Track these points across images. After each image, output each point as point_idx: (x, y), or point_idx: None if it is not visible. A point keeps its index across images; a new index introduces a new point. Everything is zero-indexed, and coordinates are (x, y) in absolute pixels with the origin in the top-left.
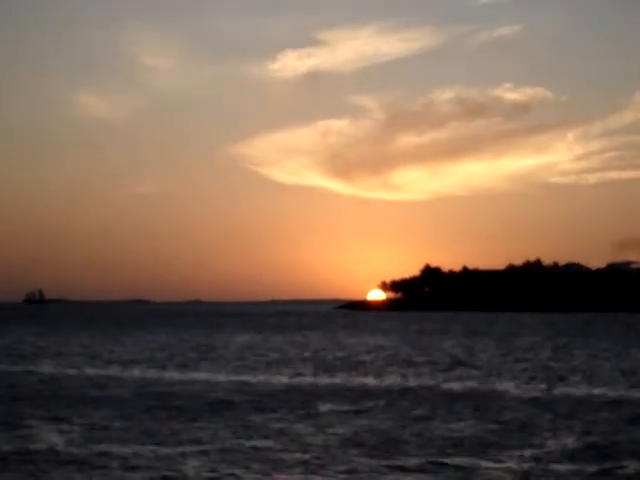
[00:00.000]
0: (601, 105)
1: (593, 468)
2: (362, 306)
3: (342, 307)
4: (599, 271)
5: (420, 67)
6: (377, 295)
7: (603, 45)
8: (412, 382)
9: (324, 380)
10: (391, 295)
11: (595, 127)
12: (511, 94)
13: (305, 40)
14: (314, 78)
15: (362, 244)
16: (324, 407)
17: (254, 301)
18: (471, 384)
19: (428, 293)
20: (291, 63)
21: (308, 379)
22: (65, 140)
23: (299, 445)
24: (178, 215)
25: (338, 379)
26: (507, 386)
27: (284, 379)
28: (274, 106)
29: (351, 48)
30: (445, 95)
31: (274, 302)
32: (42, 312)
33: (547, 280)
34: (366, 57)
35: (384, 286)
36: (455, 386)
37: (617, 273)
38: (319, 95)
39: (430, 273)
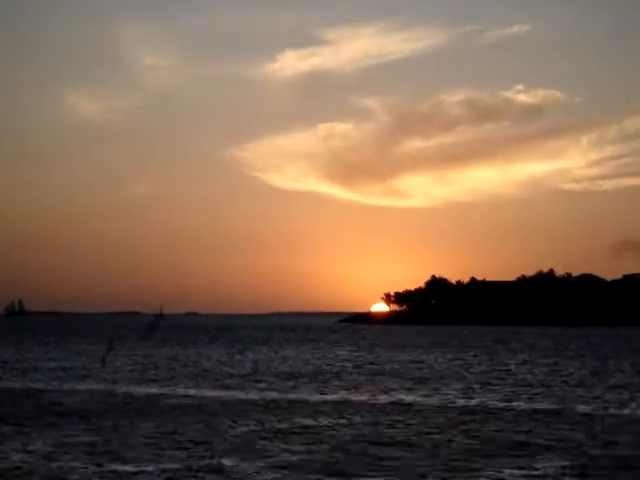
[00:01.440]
0: (617, 108)
1: None
2: (365, 319)
3: (344, 320)
4: (615, 282)
5: (427, 67)
6: (381, 308)
7: (618, 45)
8: (392, 396)
9: (295, 395)
10: (395, 308)
11: (610, 131)
12: (523, 96)
13: (306, 39)
14: (315, 79)
15: (365, 253)
16: (299, 422)
17: (254, 314)
18: (456, 399)
19: (434, 305)
20: (292, 63)
21: (276, 394)
22: (59, 142)
23: (272, 463)
24: (173, 220)
25: (314, 394)
26: (490, 401)
27: (247, 394)
28: (274, 108)
29: (354, 47)
30: (453, 97)
31: (275, 315)
32: (20, 325)
33: (560, 292)
34: (370, 57)
35: (388, 298)
36: (438, 401)
37: (633, 284)
38: (321, 97)
39: (436, 284)
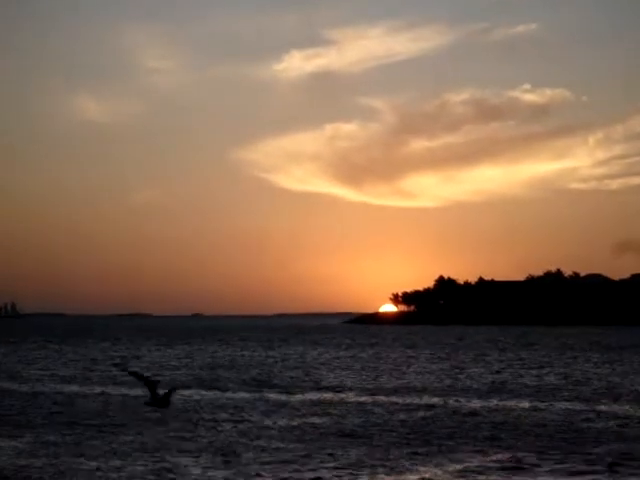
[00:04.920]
0: (624, 107)
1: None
2: (373, 320)
3: (352, 321)
4: (622, 282)
5: (432, 67)
6: (389, 308)
7: (626, 44)
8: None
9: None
10: (403, 308)
11: (617, 130)
12: (529, 96)
13: (312, 39)
14: (321, 79)
15: (373, 253)
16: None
17: (260, 315)
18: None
19: (442, 305)
20: (297, 63)
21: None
22: (65, 144)
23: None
24: (180, 223)
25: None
26: (436, 400)
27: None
28: (280, 109)
29: (360, 47)
30: (459, 97)
31: (281, 316)
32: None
33: (568, 291)
34: (376, 57)
35: (395, 299)
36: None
37: None
38: (327, 97)
39: (444, 284)
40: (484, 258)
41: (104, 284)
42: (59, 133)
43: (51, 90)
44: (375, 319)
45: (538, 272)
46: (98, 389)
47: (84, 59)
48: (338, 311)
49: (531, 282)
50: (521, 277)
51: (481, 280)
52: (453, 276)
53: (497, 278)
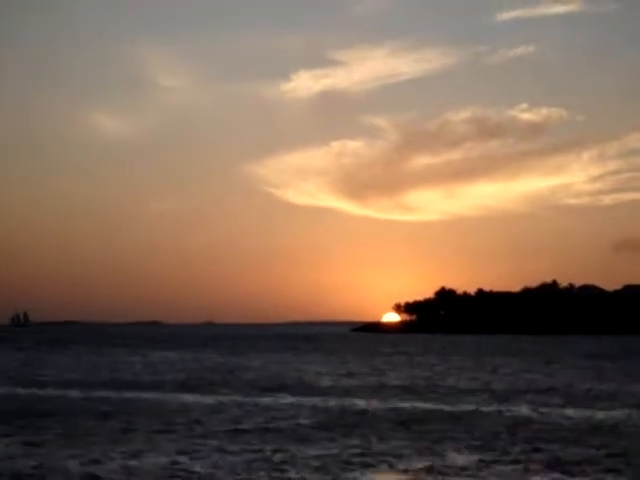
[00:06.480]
0: (617, 125)
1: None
2: (376, 328)
3: (356, 329)
4: (615, 293)
5: (435, 87)
6: (392, 317)
7: (620, 64)
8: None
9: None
10: (406, 317)
11: (611, 147)
12: (527, 114)
13: (319, 60)
14: (328, 98)
15: (377, 265)
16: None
17: (268, 323)
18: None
19: (443, 315)
20: (305, 83)
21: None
22: (77, 159)
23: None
24: (190, 236)
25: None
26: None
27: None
28: (288, 126)
29: (366, 68)
30: (460, 115)
31: (287, 324)
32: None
33: (563, 302)
34: (381, 77)
35: (398, 308)
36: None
37: (633, 295)
38: (333, 115)
39: (445, 295)
40: (483, 270)
41: (118, 292)
42: (75, 147)
43: (69, 106)
44: (379, 327)
45: (534, 283)
46: None
47: (101, 77)
48: (345, 319)
49: (527, 293)
50: (518, 288)
51: (480, 291)
52: (453, 287)
53: (495, 289)
